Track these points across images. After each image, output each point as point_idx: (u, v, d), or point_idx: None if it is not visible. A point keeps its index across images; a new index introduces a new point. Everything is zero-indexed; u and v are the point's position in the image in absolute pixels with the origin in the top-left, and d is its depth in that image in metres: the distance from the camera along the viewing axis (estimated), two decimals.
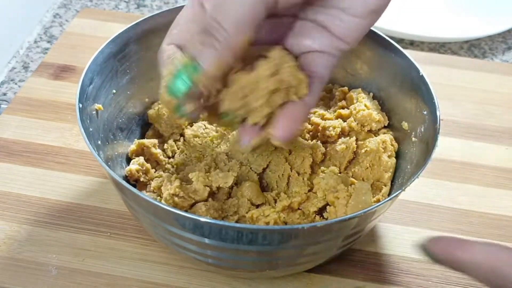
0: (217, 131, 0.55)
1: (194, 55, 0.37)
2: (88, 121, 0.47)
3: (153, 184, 0.50)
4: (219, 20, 0.35)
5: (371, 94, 0.56)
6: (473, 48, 0.79)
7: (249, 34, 0.36)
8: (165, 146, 0.54)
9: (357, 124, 0.53)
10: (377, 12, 0.40)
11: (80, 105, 0.46)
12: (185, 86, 0.38)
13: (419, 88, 0.49)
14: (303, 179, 0.51)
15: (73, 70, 0.68)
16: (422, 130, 0.49)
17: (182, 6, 0.55)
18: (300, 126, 0.42)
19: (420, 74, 0.49)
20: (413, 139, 0.50)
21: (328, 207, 0.48)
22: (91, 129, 0.47)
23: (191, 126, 0.55)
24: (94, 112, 0.49)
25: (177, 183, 0.47)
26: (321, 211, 0.48)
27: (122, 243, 0.52)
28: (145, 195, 0.41)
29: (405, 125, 0.52)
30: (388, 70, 0.53)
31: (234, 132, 0.53)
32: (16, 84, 0.70)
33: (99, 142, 0.48)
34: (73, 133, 0.61)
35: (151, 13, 0.55)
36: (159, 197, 0.49)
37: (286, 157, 0.52)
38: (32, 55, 0.74)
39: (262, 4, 0.36)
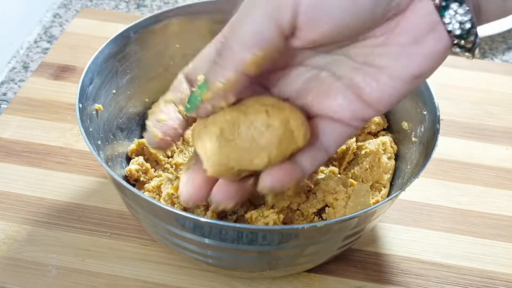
0: None
1: (206, 75, 0.36)
2: (88, 121, 0.47)
3: (153, 183, 0.50)
4: (228, 38, 0.35)
5: None
6: None
7: (258, 54, 0.34)
8: None
9: None
10: (419, 77, 0.35)
11: (80, 105, 0.46)
12: (195, 101, 0.37)
13: (419, 88, 0.50)
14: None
15: (73, 70, 0.68)
16: (422, 130, 0.49)
17: (182, 6, 0.56)
18: (288, 186, 0.37)
19: None
20: (413, 139, 0.50)
21: (327, 208, 0.48)
22: (91, 129, 0.47)
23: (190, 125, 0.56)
24: (94, 112, 0.49)
25: (176, 183, 0.47)
26: (320, 212, 0.48)
27: (122, 243, 0.52)
28: (145, 195, 0.41)
29: (405, 125, 0.52)
30: None
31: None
32: (16, 84, 0.70)
33: (99, 142, 0.48)
34: (73, 133, 0.61)
35: (151, 13, 0.55)
36: (157, 196, 0.49)
37: None
38: (32, 55, 0.74)
39: (271, 22, 0.33)
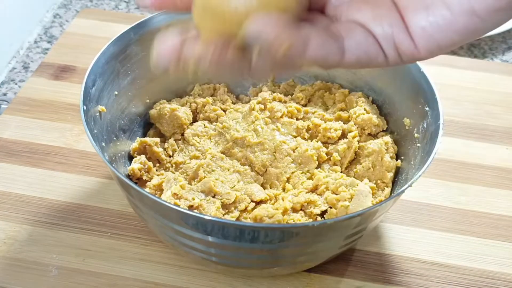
0: (215, 130, 0.55)
1: None
2: (92, 123, 0.47)
3: (153, 181, 0.50)
4: None
5: (371, 98, 0.56)
6: (473, 48, 0.79)
7: None
8: (166, 145, 0.54)
9: (357, 127, 0.54)
10: (478, 15, 0.28)
11: (84, 107, 0.46)
12: None
13: (420, 86, 0.50)
14: (305, 177, 0.51)
15: (73, 70, 0.68)
16: (425, 125, 0.49)
17: None
18: (280, 43, 0.29)
19: (421, 70, 0.50)
20: (416, 135, 0.50)
21: (329, 208, 0.48)
22: (95, 131, 0.47)
23: (191, 125, 0.56)
24: (97, 114, 0.49)
25: (180, 183, 0.48)
26: (323, 214, 0.49)
27: (123, 243, 0.52)
28: (152, 195, 0.41)
29: (406, 121, 0.52)
30: (389, 69, 0.54)
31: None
32: (16, 84, 0.70)
33: (103, 144, 0.48)
34: (73, 133, 0.61)
35: (151, 14, 0.55)
36: (158, 193, 0.50)
37: (289, 154, 0.52)
38: (32, 55, 0.74)
39: None
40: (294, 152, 0.53)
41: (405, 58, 0.31)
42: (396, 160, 0.52)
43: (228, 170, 0.52)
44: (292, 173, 0.52)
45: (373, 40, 0.31)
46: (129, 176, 0.51)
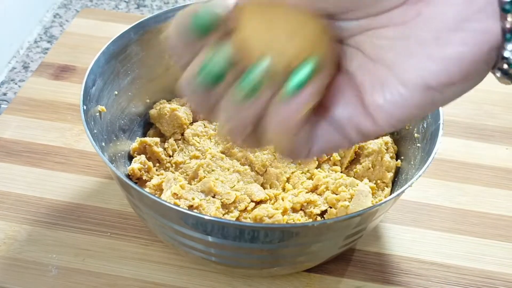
0: (215, 130, 0.55)
1: None
2: (92, 123, 0.47)
3: (153, 181, 0.50)
4: None
5: None
6: None
7: None
8: (166, 145, 0.54)
9: None
10: (434, 89, 0.27)
11: (84, 107, 0.46)
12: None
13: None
14: (305, 177, 0.51)
15: (73, 70, 0.68)
16: (425, 125, 0.49)
17: (182, 6, 0.56)
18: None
19: None
20: (416, 135, 0.50)
21: (329, 209, 0.48)
22: (95, 131, 0.47)
23: (191, 125, 0.56)
24: (97, 114, 0.49)
25: (180, 183, 0.48)
26: (323, 214, 0.49)
27: (122, 243, 0.52)
28: (152, 194, 0.41)
29: None
30: None
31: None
32: (16, 84, 0.70)
33: (103, 144, 0.48)
34: (73, 133, 0.61)
35: (151, 13, 0.55)
36: (158, 193, 0.50)
37: None
38: (32, 55, 0.74)
39: None
40: None
41: (367, 136, 0.30)
42: (396, 160, 0.52)
43: (228, 170, 0.52)
44: (292, 173, 0.52)
45: (335, 127, 0.30)
46: (129, 176, 0.51)
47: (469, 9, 0.26)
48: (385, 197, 0.50)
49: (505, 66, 0.28)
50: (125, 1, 0.84)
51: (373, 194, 0.49)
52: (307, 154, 0.30)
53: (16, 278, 0.49)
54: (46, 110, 0.63)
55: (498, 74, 0.29)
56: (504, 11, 0.26)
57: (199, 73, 0.28)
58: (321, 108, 0.30)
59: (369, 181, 0.51)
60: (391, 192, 0.51)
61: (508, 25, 0.26)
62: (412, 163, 0.50)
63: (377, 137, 0.30)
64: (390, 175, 0.51)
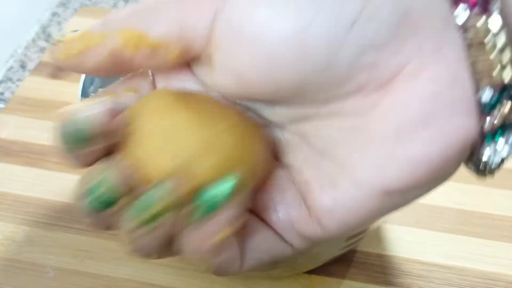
0: None
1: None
2: None
3: None
4: None
5: None
6: None
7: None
8: None
9: None
10: (394, 194, 0.23)
11: None
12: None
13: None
14: None
15: None
16: None
17: None
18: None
19: None
20: None
21: None
22: None
23: None
24: None
25: None
26: None
27: (122, 244, 0.51)
28: None
29: None
30: None
31: None
32: (14, 83, 0.69)
33: None
34: None
35: None
36: None
37: None
38: (30, 54, 0.74)
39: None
40: None
41: (314, 240, 0.26)
42: None
43: None
44: None
45: (274, 233, 0.25)
46: None
47: (436, 102, 0.22)
48: None
49: (481, 166, 0.25)
50: (124, 0, 0.84)
51: None
52: (237, 269, 0.25)
53: (13, 279, 0.49)
54: (44, 110, 0.63)
55: (472, 169, 0.25)
56: (483, 110, 0.23)
57: (86, 196, 0.24)
58: (257, 211, 0.25)
59: None
60: None
61: (487, 127, 0.23)
62: None
63: (325, 240, 0.25)
64: None
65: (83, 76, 0.48)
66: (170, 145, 0.22)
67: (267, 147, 0.25)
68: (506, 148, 0.23)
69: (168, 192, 0.22)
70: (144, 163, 0.23)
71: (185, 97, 0.24)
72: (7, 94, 0.68)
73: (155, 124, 0.23)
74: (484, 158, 0.24)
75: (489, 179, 0.27)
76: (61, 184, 0.56)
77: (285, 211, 0.25)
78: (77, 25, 0.73)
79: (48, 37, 0.76)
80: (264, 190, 0.25)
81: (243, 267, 0.25)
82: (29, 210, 0.54)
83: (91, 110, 0.23)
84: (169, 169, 0.22)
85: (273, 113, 0.25)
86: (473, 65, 0.22)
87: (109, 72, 0.26)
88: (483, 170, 0.25)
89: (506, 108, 0.23)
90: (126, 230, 0.24)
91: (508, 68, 0.22)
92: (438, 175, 0.24)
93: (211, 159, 0.22)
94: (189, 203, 0.23)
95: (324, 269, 0.50)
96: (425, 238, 0.53)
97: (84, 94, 0.47)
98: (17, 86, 0.69)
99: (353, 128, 0.23)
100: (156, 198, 0.22)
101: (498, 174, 0.61)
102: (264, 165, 0.24)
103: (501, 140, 0.23)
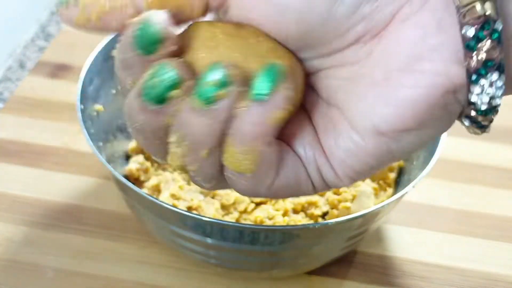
0: None
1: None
2: (89, 122, 0.47)
3: (151, 182, 0.50)
4: None
5: None
6: None
7: None
8: None
9: None
10: (386, 135, 0.25)
11: (82, 106, 0.46)
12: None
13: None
14: None
15: (70, 69, 0.67)
16: None
17: None
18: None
19: None
20: None
21: (330, 210, 0.48)
22: (92, 131, 0.47)
23: None
24: (94, 113, 0.49)
25: (178, 184, 0.47)
26: (323, 214, 0.48)
27: (120, 244, 0.51)
28: (150, 195, 0.41)
29: None
30: None
31: None
32: (12, 83, 0.69)
33: (101, 144, 0.48)
34: (71, 133, 0.60)
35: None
36: (156, 193, 0.49)
37: None
38: (29, 53, 0.73)
39: None
40: None
41: (330, 185, 0.28)
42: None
43: None
44: None
45: (300, 162, 0.27)
46: (126, 177, 0.51)
47: (422, 47, 0.24)
48: (387, 198, 0.49)
49: (473, 113, 0.26)
50: None
51: (375, 194, 0.49)
52: (269, 185, 0.27)
53: (12, 280, 0.48)
54: (43, 110, 0.63)
55: (467, 123, 0.27)
56: (468, 48, 0.24)
57: (142, 91, 0.25)
58: (287, 141, 0.27)
59: (372, 181, 0.50)
60: (394, 193, 0.50)
61: (473, 65, 0.24)
62: (415, 163, 0.49)
63: (339, 188, 0.30)
64: (393, 175, 0.51)
65: (82, 76, 0.48)
66: (220, 48, 0.26)
67: (302, 71, 0.27)
68: (493, 85, 0.25)
69: (225, 73, 0.24)
70: (201, 58, 0.26)
71: (226, 23, 0.27)
72: (6, 94, 0.68)
73: (211, 34, 0.26)
74: (473, 99, 0.25)
75: (485, 134, 0.28)
76: (60, 184, 0.56)
77: (307, 148, 0.27)
78: None
79: (47, 36, 0.76)
80: (293, 122, 0.27)
81: (273, 186, 0.27)
82: (27, 211, 0.53)
83: (161, 15, 0.25)
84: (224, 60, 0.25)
85: None
86: (458, 2, 0.24)
87: None
88: (475, 118, 0.26)
89: (489, 43, 0.24)
90: (181, 124, 0.25)
91: (488, 1, 0.24)
92: (425, 120, 0.25)
93: (259, 54, 0.26)
94: (244, 88, 0.25)
95: (325, 270, 0.50)
96: (426, 239, 0.53)
97: (83, 93, 0.47)
98: (16, 85, 0.69)
99: (350, 77, 0.26)
100: (215, 74, 0.25)
101: (498, 174, 0.61)
102: (302, 86, 0.27)
103: (487, 77, 0.24)
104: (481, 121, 0.26)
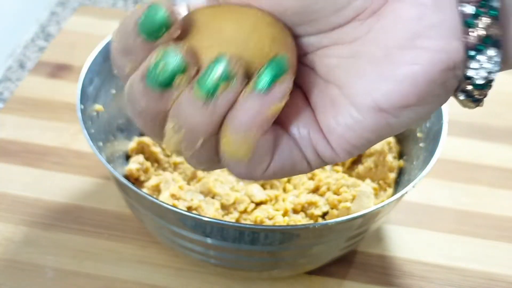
0: None
1: None
2: (89, 122, 0.47)
3: (151, 182, 0.50)
4: None
5: None
6: None
7: None
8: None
9: None
10: (385, 111, 0.26)
11: (82, 106, 0.46)
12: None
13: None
14: (306, 177, 0.50)
15: (70, 69, 0.67)
16: (428, 125, 0.48)
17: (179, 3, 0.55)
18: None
19: None
20: (418, 134, 0.50)
21: (330, 210, 0.48)
22: (92, 131, 0.47)
23: None
24: (94, 113, 0.49)
25: (178, 184, 0.47)
26: (323, 214, 0.48)
27: (120, 244, 0.51)
28: (150, 195, 0.41)
29: None
30: None
31: None
32: (13, 83, 0.69)
33: (101, 144, 0.48)
34: (71, 133, 0.60)
35: None
36: (156, 193, 0.49)
37: None
38: (29, 53, 0.73)
39: None
40: None
41: (327, 161, 0.28)
42: (400, 159, 0.52)
43: None
44: None
45: (294, 143, 0.28)
46: (126, 177, 0.51)
47: (420, 24, 0.25)
48: (387, 198, 0.49)
49: (469, 87, 0.26)
50: None
51: (375, 195, 0.49)
52: (264, 169, 0.27)
53: (12, 280, 0.48)
54: (42, 110, 0.63)
55: (461, 97, 0.27)
56: (466, 25, 0.24)
57: (147, 75, 0.25)
58: (281, 123, 0.28)
59: (372, 181, 0.50)
60: (394, 193, 0.50)
61: (471, 41, 0.25)
62: (414, 163, 0.49)
63: (335, 163, 0.30)
64: (392, 175, 0.50)
65: (82, 76, 0.48)
66: (222, 35, 0.26)
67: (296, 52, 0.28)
68: (491, 61, 0.25)
69: (227, 67, 0.25)
70: (204, 44, 0.26)
71: (227, 5, 0.28)
72: (6, 94, 0.68)
73: (212, 18, 0.27)
74: (470, 74, 0.25)
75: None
76: (60, 184, 0.56)
77: (302, 127, 0.28)
78: (76, 24, 0.73)
79: (47, 36, 0.76)
80: (287, 103, 0.27)
81: (268, 169, 0.27)
82: (27, 211, 0.53)
83: (165, 1, 0.26)
84: (227, 48, 0.25)
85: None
86: None
87: None
88: (471, 92, 0.26)
89: (487, 20, 0.24)
90: (180, 111, 0.26)
91: None
92: (425, 96, 0.26)
93: (261, 41, 0.26)
94: (245, 79, 0.25)
95: (325, 270, 0.50)
96: (426, 239, 0.53)
97: (83, 94, 0.47)
98: (16, 85, 0.69)
99: (349, 55, 0.27)
100: (221, 66, 0.25)
101: (497, 174, 0.61)
102: (295, 66, 0.27)
103: (485, 53, 0.25)
104: (476, 95, 0.27)
